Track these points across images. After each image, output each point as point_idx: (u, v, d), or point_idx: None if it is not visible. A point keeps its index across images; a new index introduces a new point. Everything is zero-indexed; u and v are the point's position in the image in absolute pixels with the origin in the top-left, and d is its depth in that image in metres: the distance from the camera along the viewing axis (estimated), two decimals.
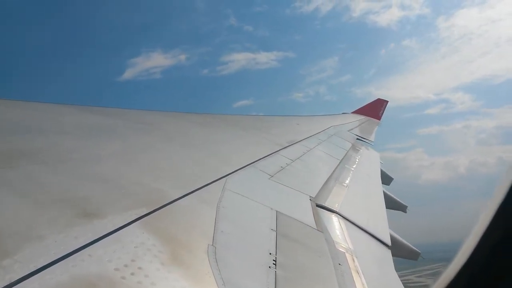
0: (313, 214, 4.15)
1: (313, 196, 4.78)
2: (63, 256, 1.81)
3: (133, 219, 2.38)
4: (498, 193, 1.33)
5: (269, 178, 4.76)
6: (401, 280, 3.87)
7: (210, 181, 3.68)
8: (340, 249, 3.57)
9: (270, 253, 2.80)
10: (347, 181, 6.74)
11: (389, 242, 4.70)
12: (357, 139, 12.84)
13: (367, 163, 9.95)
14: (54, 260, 1.76)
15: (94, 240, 2.02)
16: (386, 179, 10.93)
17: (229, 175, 4.05)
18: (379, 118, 21.45)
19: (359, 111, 21.23)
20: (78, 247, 1.92)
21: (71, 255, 1.84)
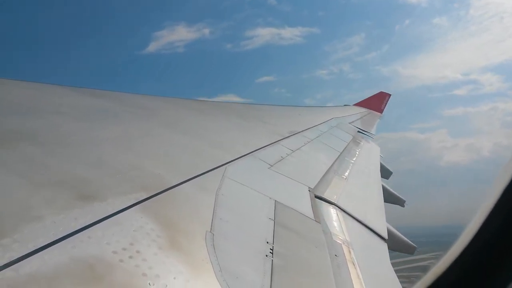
0: (311, 205, 4.17)
1: (312, 187, 4.79)
2: (62, 237, 1.82)
3: (133, 203, 2.39)
4: (495, 189, 1.34)
5: (268, 168, 4.77)
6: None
7: (210, 169, 3.68)
8: (337, 241, 3.59)
9: (267, 242, 2.82)
10: (346, 174, 6.76)
11: (385, 235, 4.72)
12: (358, 131, 12.83)
13: (367, 156, 9.96)
14: (53, 241, 1.77)
15: (93, 223, 2.03)
16: (385, 172, 10.96)
17: (229, 163, 4.05)
18: (381, 111, 21.42)
19: (361, 104, 21.19)
20: (77, 228, 1.93)
21: (70, 237, 1.85)
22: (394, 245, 6.10)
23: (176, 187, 2.95)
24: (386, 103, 22.41)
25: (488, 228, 1.32)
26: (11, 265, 1.55)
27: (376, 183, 7.85)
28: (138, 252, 1.96)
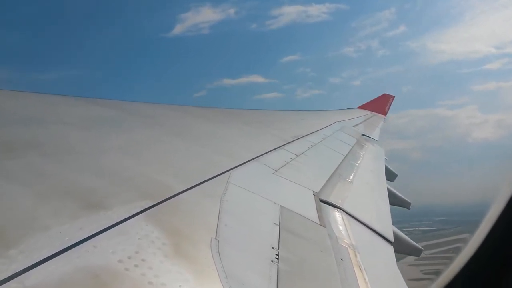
0: (317, 209, 4.16)
1: (317, 191, 4.77)
2: (67, 247, 1.82)
3: (138, 211, 2.39)
4: (504, 194, 1.33)
5: (273, 173, 4.76)
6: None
7: (214, 175, 3.68)
8: (343, 245, 3.57)
9: (272, 247, 2.81)
10: (351, 177, 6.74)
11: (392, 239, 4.69)
12: (362, 134, 12.79)
13: (372, 159, 9.93)
14: (59, 251, 1.77)
15: (98, 232, 2.03)
16: (390, 175, 10.91)
17: (233, 169, 4.05)
18: (385, 113, 21.35)
19: (364, 106, 21.14)
20: (83, 238, 1.93)
21: (75, 246, 1.85)
22: (401, 248, 6.07)
23: (181, 194, 2.95)
24: (390, 105, 22.35)
25: (498, 230, 1.32)
26: (16, 277, 1.55)
27: (381, 185, 7.82)
28: (143, 260, 1.96)
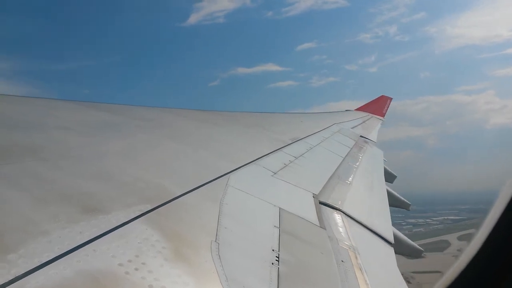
0: (316, 211, 4.16)
1: (316, 194, 4.78)
2: (67, 251, 1.82)
3: (137, 215, 2.39)
4: (504, 196, 1.34)
5: (272, 175, 4.76)
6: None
7: (213, 178, 3.68)
8: (343, 246, 3.57)
9: (273, 250, 2.80)
10: (350, 179, 6.74)
11: (392, 240, 4.69)
12: (361, 136, 12.80)
13: (370, 161, 9.93)
14: (59, 255, 1.77)
15: (98, 236, 2.03)
16: (389, 177, 10.91)
17: (232, 172, 4.05)
18: (382, 115, 21.37)
19: (362, 108, 21.16)
20: (83, 242, 1.93)
21: (75, 250, 1.85)
22: (401, 249, 6.06)
23: (180, 198, 2.95)
24: (387, 107, 22.36)
25: (500, 232, 1.32)
26: (16, 281, 1.54)
27: (381, 187, 7.82)
28: (143, 264, 1.95)
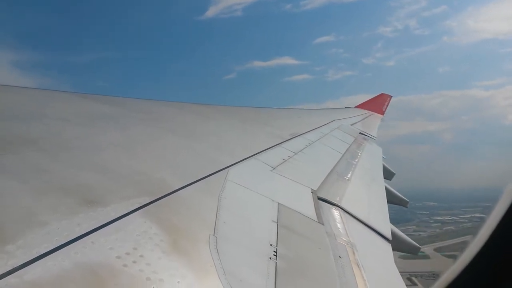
0: (315, 207, 4.16)
1: (315, 189, 4.78)
2: (66, 243, 1.82)
3: (136, 207, 2.39)
4: (504, 200, 1.33)
5: (271, 170, 4.77)
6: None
7: (212, 172, 3.68)
8: (341, 242, 3.58)
9: (271, 245, 2.81)
10: (349, 175, 6.75)
11: (389, 236, 4.71)
12: (360, 133, 12.81)
13: (369, 158, 9.94)
14: (57, 247, 1.77)
15: (96, 228, 2.03)
16: (388, 174, 10.92)
17: (231, 166, 4.05)
18: (382, 113, 21.37)
19: (362, 106, 21.16)
20: (81, 234, 1.93)
21: (73, 242, 1.85)
22: (398, 246, 6.08)
23: (179, 191, 2.95)
24: (387, 105, 22.37)
25: (501, 233, 1.32)
26: (15, 272, 1.54)
27: (379, 184, 7.84)
28: (141, 256, 1.95)
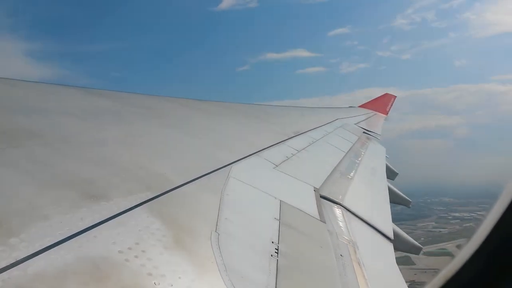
0: (317, 205, 4.16)
1: (317, 187, 4.78)
2: (68, 237, 1.83)
3: (138, 202, 2.40)
4: (504, 199, 1.33)
5: (274, 168, 4.77)
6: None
7: (215, 169, 3.69)
8: (342, 241, 3.58)
9: (272, 242, 2.81)
10: (351, 174, 6.74)
11: (391, 236, 4.70)
12: (364, 133, 12.79)
13: (373, 157, 9.92)
14: (60, 240, 1.78)
15: (99, 222, 2.04)
16: (391, 173, 10.91)
17: (234, 163, 4.06)
18: (386, 113, 21.31)
19: (366, 105, 21.10)
20: (84, 228, 1.94)
21: (76, 236, 1.86)
22: (400, 245, 6.07)
23: (182, 187, 2.95)
24: (391, 105, 22.30)
25: (499, 232, 1.31)
26: (18, 265, 1.55)
27: (382, 183, 7.82)
28: (143, 251, 1.96)
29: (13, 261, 1.56)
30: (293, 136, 7.08)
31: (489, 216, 1.36)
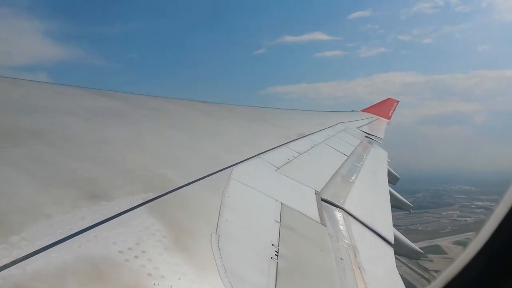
0: (318, 208, 4.16)
1: (319, 190, 4.77)
2: (69, 236, 1.83)
3: (139, 203, 2.40)
4: (508, 198, 1.32)
5: (275, 170, 4.77)
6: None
7: (216, 170, 3.69)
8: (343, 244, 3.57)
9: (272, 244, 2.81)
10: (353, 178, 6.72)
11: (392, 240, 4.68)
12: (366, 137, 12.77)
13: (374, 161, 9.90)
14: (60, 239, 1.78)
15: (100, 222, 2.04)
16: (392, 178, 10.88)
17: (235, 165, 4.06)
18: (388, 117, 21.28)
19: (368, 110, 21.09)
20: (84, 227, 1.94)
21: (77, 235, 1.86)
22: (400, 250, 6.06)
23: (183, 188, 2.96)
24: (394, 110, 22.27)
25: (503, 231, 1.31)
26: (18, 263, 1.56)
27: (383, 187, 7.80)
28: (143, 252, 1.96)
29: (13, 259, 1.57)
30: (295, 139, 7.08)
31: (494, 214, 1.35)
